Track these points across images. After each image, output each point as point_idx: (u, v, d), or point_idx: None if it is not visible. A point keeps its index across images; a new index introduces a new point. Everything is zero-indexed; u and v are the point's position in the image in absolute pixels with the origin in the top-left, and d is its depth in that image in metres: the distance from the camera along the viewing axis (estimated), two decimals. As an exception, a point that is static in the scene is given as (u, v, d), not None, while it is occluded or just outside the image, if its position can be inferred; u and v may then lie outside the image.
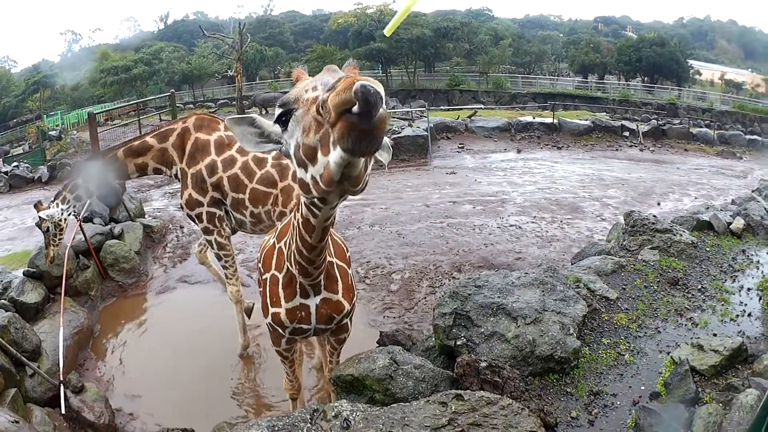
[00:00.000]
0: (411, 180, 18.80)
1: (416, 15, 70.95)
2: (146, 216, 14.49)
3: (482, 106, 40.94)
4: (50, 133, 37.55)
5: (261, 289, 4.66)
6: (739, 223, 10.34)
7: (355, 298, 4.64)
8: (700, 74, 71.42)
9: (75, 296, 10.07)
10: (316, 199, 2.93)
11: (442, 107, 42.27)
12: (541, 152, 24.87)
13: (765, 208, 11.16)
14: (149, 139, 7.96)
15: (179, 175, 7.93)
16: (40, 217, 8.38)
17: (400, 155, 21.81)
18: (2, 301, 8.71)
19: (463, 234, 13.11)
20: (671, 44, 61.28)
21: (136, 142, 8.01)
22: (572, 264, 9.97)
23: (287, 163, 6.87)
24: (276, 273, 4.29)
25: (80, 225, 10.63)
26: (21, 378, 7.11)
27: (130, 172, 8.05)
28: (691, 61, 65.82)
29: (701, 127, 35.49)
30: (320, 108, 2.36)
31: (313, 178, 2.59)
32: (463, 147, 24.85)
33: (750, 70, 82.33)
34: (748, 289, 8.11)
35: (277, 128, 2.87)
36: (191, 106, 57.99)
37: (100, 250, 11.25)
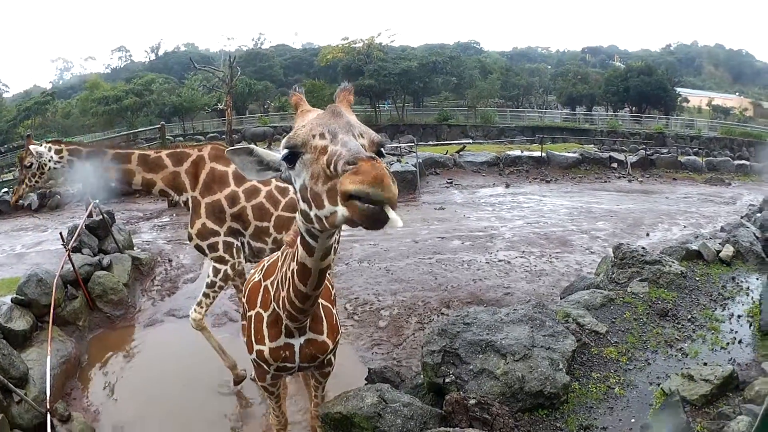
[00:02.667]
0: (399, 215, 18.52)
1: (404, 49, 71.70)
2: (135, 248, 14.49)
3: (471, 141, 41.25)
4: None
5: (245, 324, 4.65)
6: (728, 251, 10.42)
7: (339, 335, 4.64)
8: (687, 101, 72.51)
9: (63, 326, 10.04)
10: (314, 230, 3.01)
11: (430, 142, 42.58)
12: (530, 186, 24.96)
13: (754, 234, 11.25)
14: (164, 157, 7.88)
15: (190, 203, 7.84)
16: (28, 148, 8.19)
17: (389, 191, 21.63)
18: (-11, 326, 8.66)
19: (451, 270, 13.09)
20: (659, 72, 62.23)
21: (153, 155, 7.92)
22: (561, 298, 10.03)
23: None
24: (261, 311, 4.28)
25: (69, 254, 10.56)
26: (8, 404, 7.06)
27: (134, 183, 7.96)
28: (678, 89, 66.78)
29: (689, 155, 35.94)
30: (331, 170, 2.49)
31: (317, 217, 2.72)
32: (451, 182, 24.94)
33: (737, 93, 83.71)
34: (738, 316, 8.16)
35: (275, 156, 3.02)
36: (181, 138, 58.51)
37: (88, 281, 11.22)
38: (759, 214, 13.68)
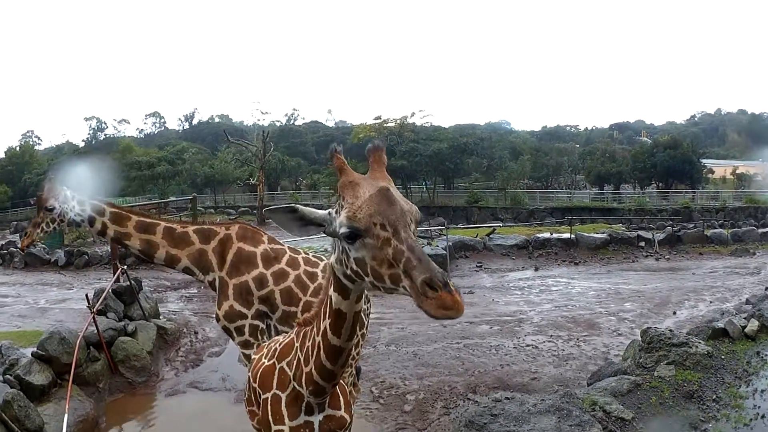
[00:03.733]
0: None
1: (436, 129, 72.57)
2: (161, 317, 14.50)
3: (500, 224, 41.37)
4: None
5: (251, 409, 4.86)
6: (753, 326, 10.52)
7: (353, 410, 4.74)
8: (712, 172, 72.29)
9: (83, 386, 10.09)
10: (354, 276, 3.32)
11: (461, 225, 42.70)
12: (558, 269, 25.03)
13: (779, 305, 11.30)
14: (191, 233, 7.66)
15: (217, 284, 7.57)
16: (52, 190, 7.90)
17: (418, 275, 21.78)
18: (7, 376, 8.77)
19: (479, 355, 13.16)
20: (684, 146, 62.49)
21: (179, 229, 7.71)
22: (588, 385, 10.04)
23: None
24: (278, 392, 4.36)
25: (93, 317, 10.68)
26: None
27: (157, 256, 7.75)
28: (703, 161, 66.70)
29: (715, 228, 35.81)
30: (401, 268, 2.91)
31: (373, 284, 3.13)
32: (481, 266, 25.08)
33: (761, 159, 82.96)
34: (762, 391, 8.27)
35: (319, 214, 3.32)
36: (212, 210, 59.51)
37: (111, 345, 11.32)
38: (784, 284, 13.71)
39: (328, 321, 3.72)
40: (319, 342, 3.83)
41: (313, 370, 3.94)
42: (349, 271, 3.27)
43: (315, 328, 3.91)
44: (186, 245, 7.62)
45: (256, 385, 4.69)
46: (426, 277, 2.78)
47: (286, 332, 7.68)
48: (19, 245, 12.93)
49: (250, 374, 4.89)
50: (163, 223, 7.76)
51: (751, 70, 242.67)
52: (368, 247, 3.04)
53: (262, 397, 4.53)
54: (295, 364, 4.17)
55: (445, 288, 2.76)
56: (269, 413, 4.43)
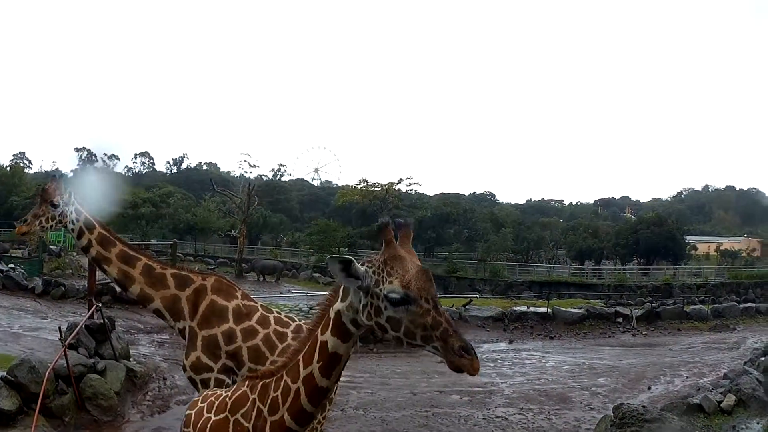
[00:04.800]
0: (400, 366, 18.56)
1: (420, 197, 72.96)
2: (131, 359, 14.40)
3: (478, 295, 41.02)
4: (51, 247, 38.46)
5: None
6: (730, 400, 10.42)
7: None
8: (696, 249, 72.83)
9: (49, 417, 10.07)
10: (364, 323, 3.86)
11: (438, 295, 42.40)
12: (533, 342, 24.73)
13: (757, 379, 11.23)
14: (169, 276, 7.65)
15: (186, 333, 7.56)
16: (59, 187, 7.83)
17: (392, 340, 21.59)
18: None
19: (447, 424, 12.89)
20: (669, 222, 63.23)
21: (158, 269, 7.70)
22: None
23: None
24: None
25: (65, 350, 10.59)
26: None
27: (131, 290, 7.76)
28: (688, 237, 67.28)
29: (695, 304, 35.72)
30: (437, 335, 3.58)
31: (398, 338, 3.73)
32: (455, 336, 24.67)
33: (746, 235, 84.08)
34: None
35: (362, 270, 3.76)
36: (191, 258, 59.18)
37: (80, 380, 11.23)
38: (763, 358, 13.53)
39: (317, 365, 3.98)
40: (297, 388, 4.03)
41: (285, 416, 4.10)
42: (369, 322, 3.79)
43: (288, 377, 4.10)
44: (162, 287, 7.61)
45: None
46: (463, 346, 3.54)
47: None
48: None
49: (189, 430, 4.82)
50: (144, 259, 7.75)
51: (740, 145, 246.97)
52: (410, 312, 3.63)
53: None
54: (254, 415, 4.26)
55: (475, 355, 3.54)
56: None
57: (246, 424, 4.30)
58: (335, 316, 3.93)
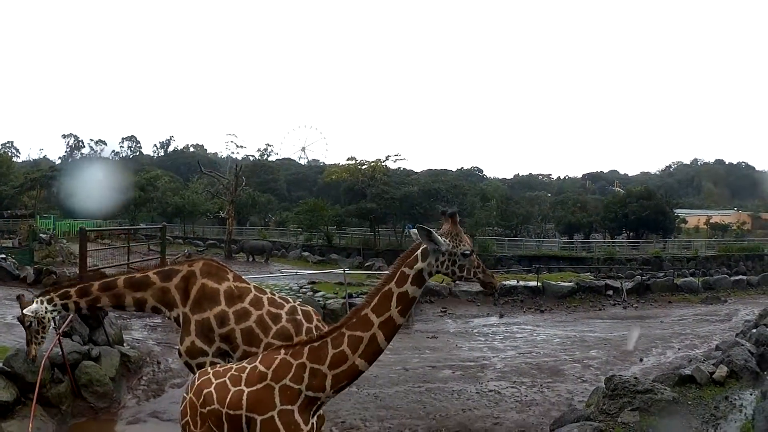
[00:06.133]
0: (391, 343, 18.28)
1: (408, 173, 72.58)
2: (124, 344, 14.47)
3: (467, 270, 41.12)
4: (41, 235, 38.79)
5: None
6: (722, 371, 10.38)
7: None
8: (686, 222, 73.16)
9: (46, 406, 10.15)
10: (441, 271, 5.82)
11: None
12: (524, 316, 24.75)
13: (749, 351, 11.21)
14: (152, 275, 8.00)
15: (180, 320, 7.80)
16: (23, 312, 8.15)
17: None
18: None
19: (440, 399, 12.86)
20: (657, 196, 63.17)
21: (139, 275, 8.08)
22: (551, 431, 9.87)
23: (300, 319, 7.88)
24: (287, 407, 5.17)
25: (59, 339, 10.58)
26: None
27: (126, 304, 8.09)
28: (677, 211, 67.36)
29: (686, 276, 36.07)
30: (480, 270, 5.97)
31: (460, 275, 5.87)
32: (445, 311, 24.76)
33: (736, 209, 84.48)
34: (731, 435, 8.04)
35: (441, 241, 5.68)
36: (180, 241, 59.68)
37: (75, 368, 11.23)
38: (755, 330, 13.51)
39: (396, 309, 5.52)
40: (372, 334, 5.47)
41: (357, 361, 5.42)
42: (446, 270, 5.76)
43: (352, 331, 5.43)
44: (148, 287, 7.98)
45: (241, 413, 5.22)
46: (490, 273, 6.09)
47: None
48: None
49: (216, 406, 5.31)
50: (122, 277, 8.23)
51: (729, 120, 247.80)
52: (470, 260, 5.83)
53: (259, 419, 5.16)
54: (306, 376, 5.27)
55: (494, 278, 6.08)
56: (280, 428, 5.13)
57: (297, 386, 5.23)
58: (416, 273, 5.61)
